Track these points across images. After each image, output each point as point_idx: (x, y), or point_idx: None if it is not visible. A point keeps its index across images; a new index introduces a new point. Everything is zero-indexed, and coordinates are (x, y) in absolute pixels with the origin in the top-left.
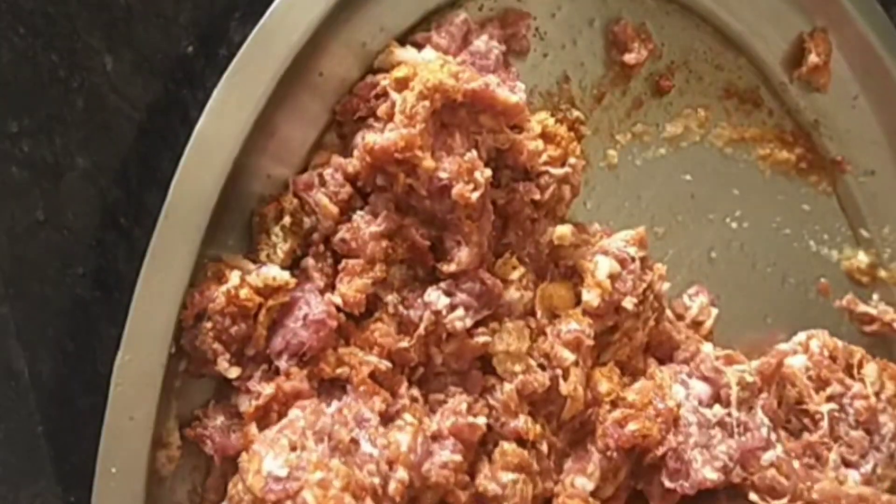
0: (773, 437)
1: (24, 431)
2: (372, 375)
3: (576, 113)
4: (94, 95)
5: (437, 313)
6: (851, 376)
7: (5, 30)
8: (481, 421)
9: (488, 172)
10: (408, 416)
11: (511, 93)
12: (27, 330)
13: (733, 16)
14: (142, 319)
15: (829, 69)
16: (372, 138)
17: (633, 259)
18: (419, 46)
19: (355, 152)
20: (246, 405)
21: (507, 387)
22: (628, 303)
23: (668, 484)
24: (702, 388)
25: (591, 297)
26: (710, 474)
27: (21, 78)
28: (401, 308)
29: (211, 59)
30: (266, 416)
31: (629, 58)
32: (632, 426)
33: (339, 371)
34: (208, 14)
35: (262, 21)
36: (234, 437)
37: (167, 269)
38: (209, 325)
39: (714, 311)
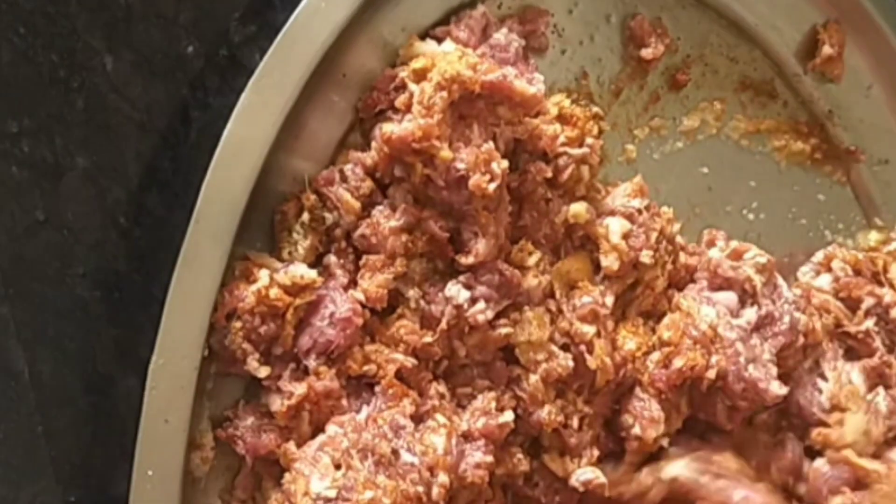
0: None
1: (24, 431)
2: (398, 373)
3: (594, 108)
4: (94, 95)
5: (458, 307)
6: (879, 283)
7: (5, 30)
8: (510, 417)
9: (505, 164)
10: (440, 417)
11: (529, 84)
12: (27, 330)
13: (748, 8)
14: (175, 323)
15: (842, 60)
16: (389, 128)
17: (639, 211)
18: (439, 41)
19: (373, 143)
20: (277, 405)
21: (533, 378)
22: (645, 256)
23: (741, 404)
24: (727, 298)
25: (610, 261)
26: (780, 389)
27: (21, 78)
28: (422, 303)
29: (211, 59)
30: (298, 416)
31: (646, 52)
32: (677, 363)
33: (365, 368)
34: (208, 14)
35: (286, 26)
36: (264, 436)
37: (199, 273)
38: (238, 324)
39: (735, 243)
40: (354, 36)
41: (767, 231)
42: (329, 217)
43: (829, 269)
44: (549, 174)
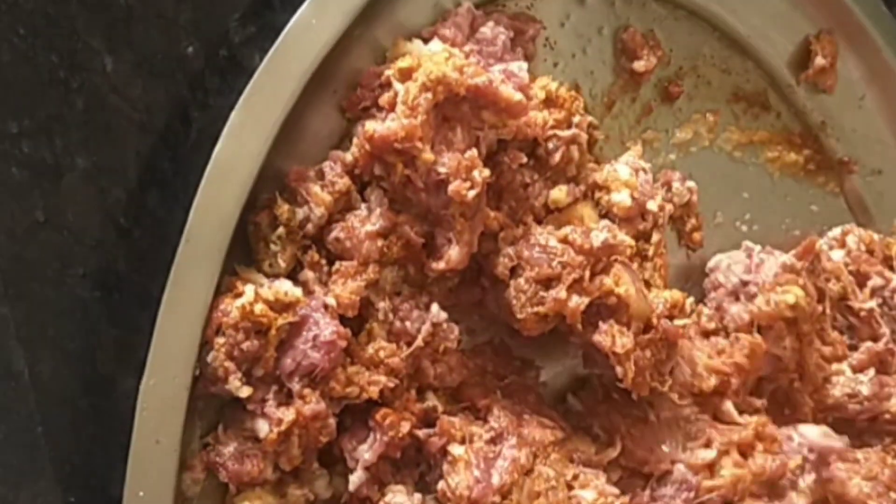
0: None
1: (24, 431)
2: (381, 393)
3: (589, 118)
4: (94, 96)
5: (435, 325)
6: (890, 268)
7: (5, 30)
8: None
9: (486, 172)
10: (456, 449)
11: (514, 90)
12: (27, 330)
13: (740, 20)
14: (166, 343)
15: (835, 71)
16: (371, 126)
17: (644, 170)
18: (426, 41)
19: (355, 140)
20: (265, 431)
21: None
22: (653, 204)
23: None
24: None
25: (622, 196)
26: None
27: (21, 78)
28: (391, 316)
29: (211, 59)
30: (287, 440)
31: (638, 65)
32: None
33: (348, 390)
34: (208, 15)
35: (277, 41)
36: (248, 462)
37: (189, 293)
38: (221, 340)
39: (692, 184)
40: (345, 53)
41: (761, 242)
42: (300, 212)
43: (844, 245)
44: (524, 160)
